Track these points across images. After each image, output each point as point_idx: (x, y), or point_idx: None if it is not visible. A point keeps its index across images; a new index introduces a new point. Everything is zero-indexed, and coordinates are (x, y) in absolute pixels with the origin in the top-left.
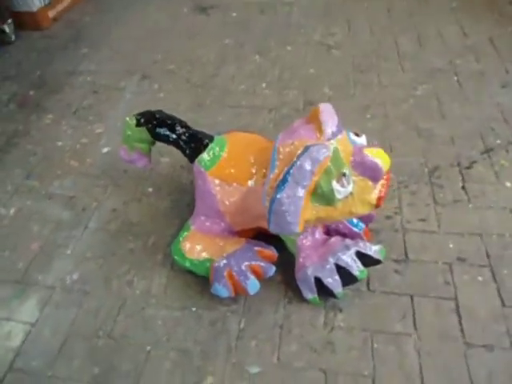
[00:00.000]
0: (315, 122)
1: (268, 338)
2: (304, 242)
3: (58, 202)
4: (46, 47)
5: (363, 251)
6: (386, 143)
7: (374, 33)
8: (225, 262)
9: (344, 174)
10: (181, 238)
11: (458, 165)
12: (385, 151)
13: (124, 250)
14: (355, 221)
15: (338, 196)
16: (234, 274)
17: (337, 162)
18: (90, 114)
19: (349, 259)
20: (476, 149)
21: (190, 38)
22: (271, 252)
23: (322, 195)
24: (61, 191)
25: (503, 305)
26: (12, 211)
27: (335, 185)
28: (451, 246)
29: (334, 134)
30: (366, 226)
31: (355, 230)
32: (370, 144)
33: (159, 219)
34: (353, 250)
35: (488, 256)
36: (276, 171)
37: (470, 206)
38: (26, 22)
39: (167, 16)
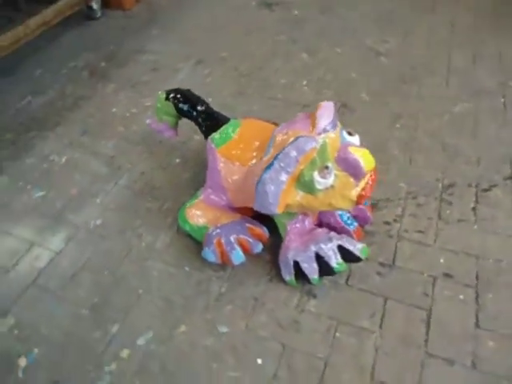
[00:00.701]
0: (312, 116)
1: (242, 306)
2: (293, 227)
3: (100, 158)
4: (124, 25)
5: (345, 246)
6: (406, 155)
7: (429, 45)
8: (217, 231)
9: (327, 167)
10: (188, 205)
11: (476, 186)
12: (403, 162)
13: (142, 208)
14: (349, 218)
15: (318, 186)
16: (223, 242)
17: (323, 154)
18: (145, 88)
19: (329, 250)
20: (501, 173)
21: (249, 30)
22: (262, 231)
23: (304, 183)
24: (105, 150)
25: (477, 326)
26: (63, 160)
27: (316, 175)
28: (442, 261)
29: (326, 130)
30: (362, 226)
31: (347, 227)
32: (361, 145)
33: (178, 187)
34: (335, 243)
35: (477, 278)
36: (269, 156)
37: (475, 227)
38: (112, 1)
39: (235, 8)
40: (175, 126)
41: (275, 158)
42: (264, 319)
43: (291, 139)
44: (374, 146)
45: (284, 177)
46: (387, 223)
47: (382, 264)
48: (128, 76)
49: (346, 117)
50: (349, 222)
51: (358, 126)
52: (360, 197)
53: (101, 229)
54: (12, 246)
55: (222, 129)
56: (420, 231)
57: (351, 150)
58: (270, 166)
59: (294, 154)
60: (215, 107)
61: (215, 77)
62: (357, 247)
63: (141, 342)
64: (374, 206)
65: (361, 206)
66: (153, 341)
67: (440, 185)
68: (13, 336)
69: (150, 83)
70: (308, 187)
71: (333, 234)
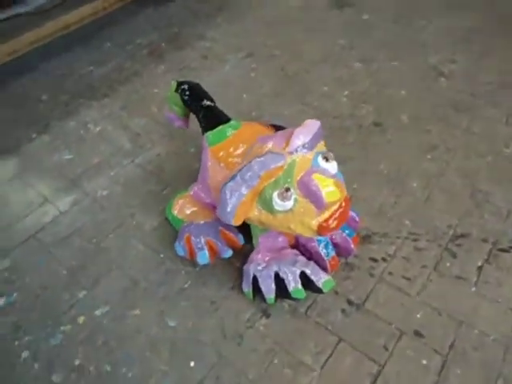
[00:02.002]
0: (291, 133)
1: (197, 306)
2: (264, 240)
3: (128, 134)
4: (195, 10)
5: (308, 274)
6: (426, 191)
7: (501, 72)
8: (190, 228)
9: (287, 190)
10: (178, 195)
11: (493, 243)
12: (418, 198)
13: (144, 189)
14: (327, 246)
15: (277, 207)
16: (192, 241)
17: (287, 175)
18: (190, 74)
19: (290, 274)
20: None
21: (309, 30)
22: (235, 237)
23: (264, 201)
24: (134, 127)
25: None
26: (97, 129)
27: (275, 196)
28: (418, 316)
29: (299, 150)
30: (345, 257)
31: (322, 254)
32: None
33: (184, 176)
34: (298, 268)
35: (451, 346)
36: (242, 165)
37: (473, 289)
38: None
39: (305, 5)
40: (185, 117)
41: (240, 169)
42: (212, 324)
43: (263, 153)
44: (393, 173)
45: (244, 190)
46: (373, 260)
47: (350, 302)
48: (180, 60)
49: (372, 136)
50: (325, 250)
51: (381, 148)
52: (322, 228)
53: (104, 200)
54: (30, 198)
55: (219, 128)
56: (406, 278)
57: (314, 177)
58: (233, 176)
59: (256, 169)
60: (245, 104)
61: (259, 73)
62: (320, 279)
63: (97, 313)
64: (366, 239)
65: (344, 235)
66: (107, 315)
67: (451, 232)
68: (2, 277)
69: (196, 70)
70: (267, 206)
71: (301, 258)
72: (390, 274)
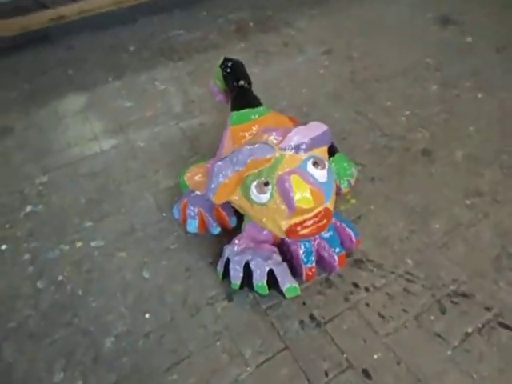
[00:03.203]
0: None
1: (174, 268)
2: (250, 227)
3: (183, 98)
4: None
5: (275, 274)
6: (447, 236)
7: None
8: (189, 195)
9: (266, 184)
10: (196, 164)
11: (496, 315)
12: (435, 241)
13: (176, 152)
14: (308, 255)
15: (253, 197)
16: (187, 208)
17: (271, 169)
18: (265, 57)
19: (259, 268)
20: None
21: (401, 41)
22: (227, 218)
23: (244, 188)
24: (192, 93)
25: None
26: (161, 88)
27: (253, 186)
28: (375, 357)
29: (290, 149)
30: (328, 272)
31: (301, 261)
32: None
33: (215, 149)
34: (268, 265)
35: None
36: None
37: (449, 353)
38: None
39: (406, 14)
40: (226, 93)
41: (233, 152)
42: (178, 289)
43: (258, 142)
44: (418, 208)
45: (229, 172)
46: (355, 286)
47: (312, 317)
48: (261, 42)
49: (415, 164)
50: (305, 257)
51: (418, 179)
52: (291, 231)
53: (139, 151)
54: (84, 132)
55: (245, 110)
56: (381, 315)
57: (293, 178)
58: (225, 157)
59: (245, 155)
60: (301, 98)
61: (328, 72)
62: (286, 283)
63: (93, 244)
64: (358, 263)
65: (332, 251)
66: (99, 249)
67: (453, 287)
68: (37, 190)
69: (271, 54)
70: (246, 194)
71: (276, 256)
72: (367, 305)
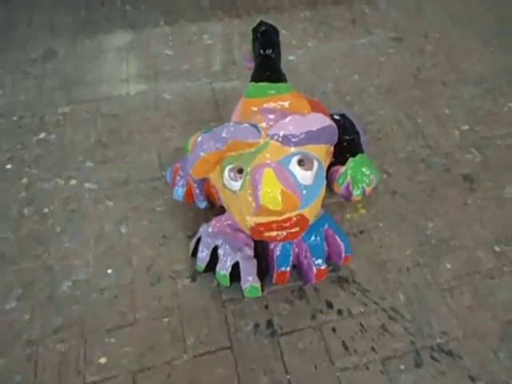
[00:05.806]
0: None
1: (152, 231)
2: None
3: (225, 59)
4: None
5: (240, 267)
6: (454, 282)
7: None
8: (184, 161)
9: (240, 170)
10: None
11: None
12: (436, 285)
13: (199, 112)
14: (285, 259)
15: (225, 182)
16: (178, 173)
17: (250, 156)
18: (328, 32)
19: (226, 256)
20: None
21: (495, 42)
22: (216, 196)
23: (220, 169)
24: (236, 55)
25: None
26: (208, 42)
27: (227, 170)
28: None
29: (277, 138)
30: (304, 282)
31: (275, 262)
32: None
33: None
34: (236, 257)
35: None
36: None
37: None
38: None
39: (494, 13)
40: (253, 58)
41: (218, 127)
42: (147, 253)
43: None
44: (435, 240)
45: (209, 147)
46: (329, 305)
47: (269, 324)
48: (328, 14)
49: (451, 188)
50: (280, 260)
51: (448, 207)
52: (255, 230)
53: (163, 103)
54: (119, 71)
55: (264, 83)
56: (345, 346)
57: (266, 171)
58: (211, 131)
59: (227, 133)
60: (348, 84)
61: (389, 61)
62: (248, 281)
63: (86, 185)
64: (341, 281)
65: (312, 261)
66: (90, 191)
67: (440, 341)
68: (57, 119)
69: (334, 30)
70: (221, 175)
71: (247, 250)
72: (333, 330)
